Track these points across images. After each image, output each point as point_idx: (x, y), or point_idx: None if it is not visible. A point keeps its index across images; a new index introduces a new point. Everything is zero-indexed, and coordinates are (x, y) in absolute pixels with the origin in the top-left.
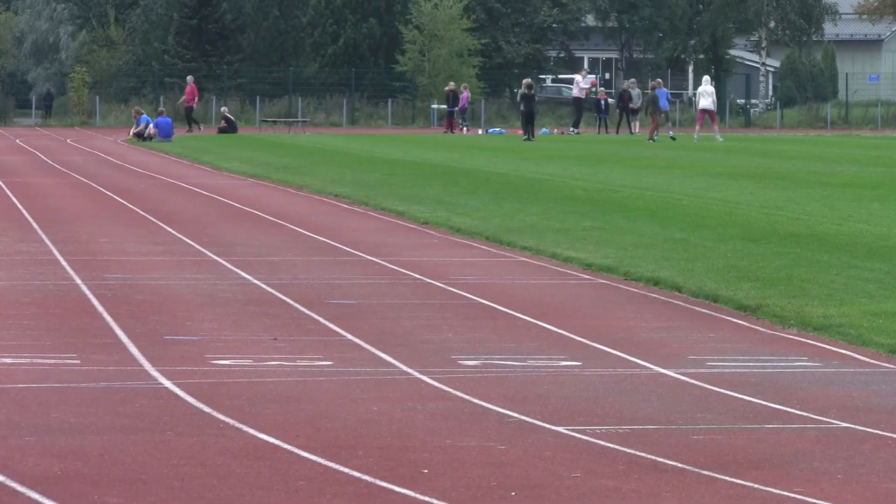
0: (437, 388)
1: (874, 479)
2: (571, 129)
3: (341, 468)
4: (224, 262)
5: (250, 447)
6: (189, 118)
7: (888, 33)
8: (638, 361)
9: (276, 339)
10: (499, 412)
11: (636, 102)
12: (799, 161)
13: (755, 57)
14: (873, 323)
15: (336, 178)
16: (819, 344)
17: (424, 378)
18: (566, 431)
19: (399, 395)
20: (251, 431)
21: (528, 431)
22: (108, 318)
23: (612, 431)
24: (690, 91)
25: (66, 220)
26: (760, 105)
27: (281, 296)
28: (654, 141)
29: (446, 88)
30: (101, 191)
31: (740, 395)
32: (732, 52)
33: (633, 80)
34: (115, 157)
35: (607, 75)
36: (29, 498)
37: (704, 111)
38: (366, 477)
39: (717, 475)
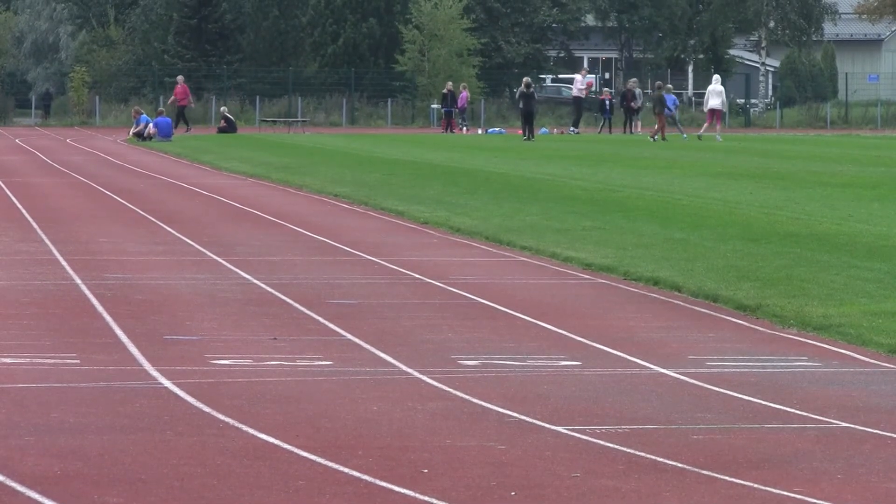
0: (437, 387)
1: (874, 479)
2: (571, 128)
3: (341, 468)
4: (224, 262)
5: (250, 447)
6: (182, 117)
7: (888, 33)
8: (638, 361)
9: (275, 338)
10: (499, 412)
11: (639, 102)
12: (799, 161)
13: (755, 57)
14: (873, 323)
15: (336, 178)
16: (819, 344)
17: (424, 378)
18: (566, 431)
19: (399, 395)
20: (251, 431)
21: (528, 431)
22: (108, 318)
23: (611, 431)
24: (690, 91)
25: (66, 219)
26: (760, 105)
27: (281, 296)
28: (655, 140)
29: (445, 89)
30: (100, 191)
31: (740, 395)
32: (732, 51)
33: (635, 80)
34: (114, 156)
35: (607, 75)
36: (29, 498)
37: (713, 111)
38: (366, 477)
39: (716, 475)
